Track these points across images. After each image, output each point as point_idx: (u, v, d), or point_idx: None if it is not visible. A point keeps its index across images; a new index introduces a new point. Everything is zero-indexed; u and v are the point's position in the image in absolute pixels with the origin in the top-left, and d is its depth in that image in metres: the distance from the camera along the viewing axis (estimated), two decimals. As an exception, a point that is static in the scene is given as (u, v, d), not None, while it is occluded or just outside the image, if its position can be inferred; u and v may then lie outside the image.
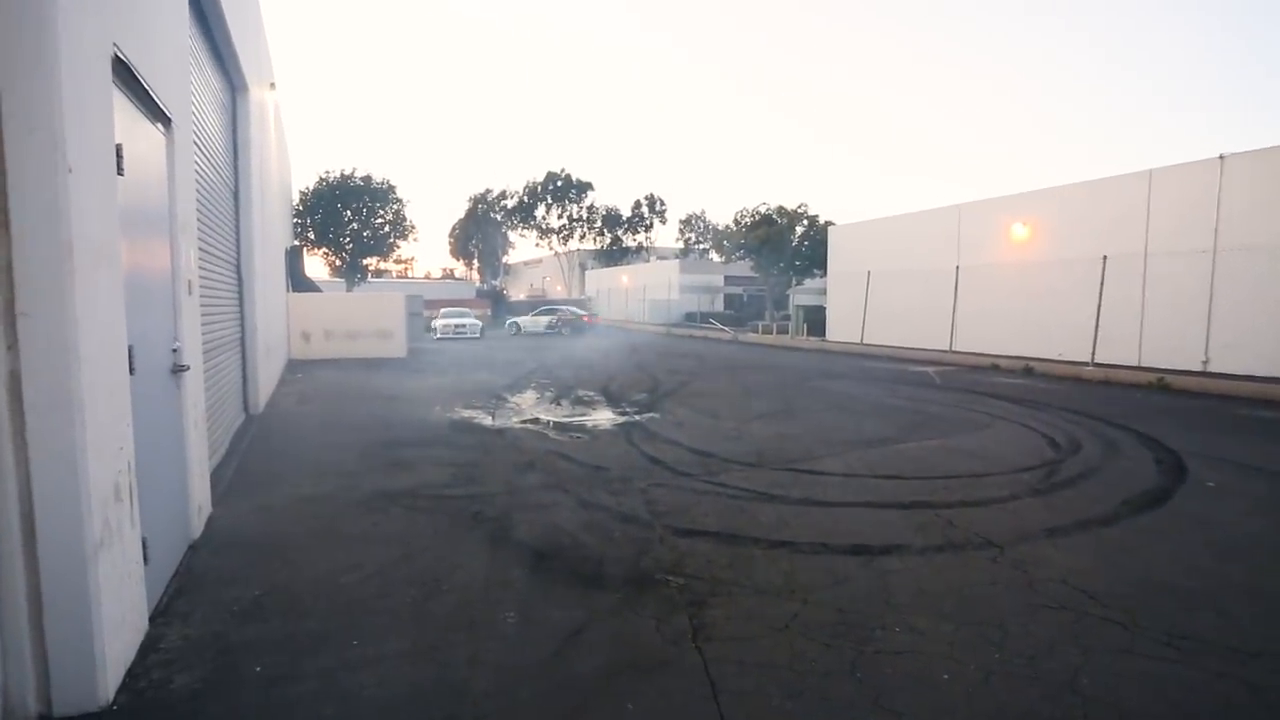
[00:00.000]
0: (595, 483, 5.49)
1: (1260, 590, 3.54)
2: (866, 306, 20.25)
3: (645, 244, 54.02)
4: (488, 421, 8.32)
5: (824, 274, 25.48)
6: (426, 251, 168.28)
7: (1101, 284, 14.02)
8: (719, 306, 38.08)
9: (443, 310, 28.05)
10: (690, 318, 34.27)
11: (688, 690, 2.60)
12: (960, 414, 8.89)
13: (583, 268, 53.65)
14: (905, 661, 2.81)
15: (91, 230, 2.44)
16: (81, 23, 2.40)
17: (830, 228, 25.45)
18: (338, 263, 29.16)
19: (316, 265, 31.09)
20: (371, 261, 30.57)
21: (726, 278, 39.40)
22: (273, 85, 12.65)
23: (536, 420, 8.37)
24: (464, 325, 26.72)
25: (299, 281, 18.42)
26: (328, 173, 28.10)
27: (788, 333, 25.13)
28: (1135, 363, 13.80)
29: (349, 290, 28.88)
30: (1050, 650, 2.91)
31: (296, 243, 25.03)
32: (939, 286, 18.16)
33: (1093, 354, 13.90)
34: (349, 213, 28.28)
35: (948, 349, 17.60)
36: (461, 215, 57.82)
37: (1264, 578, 3.71)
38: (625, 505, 4.89)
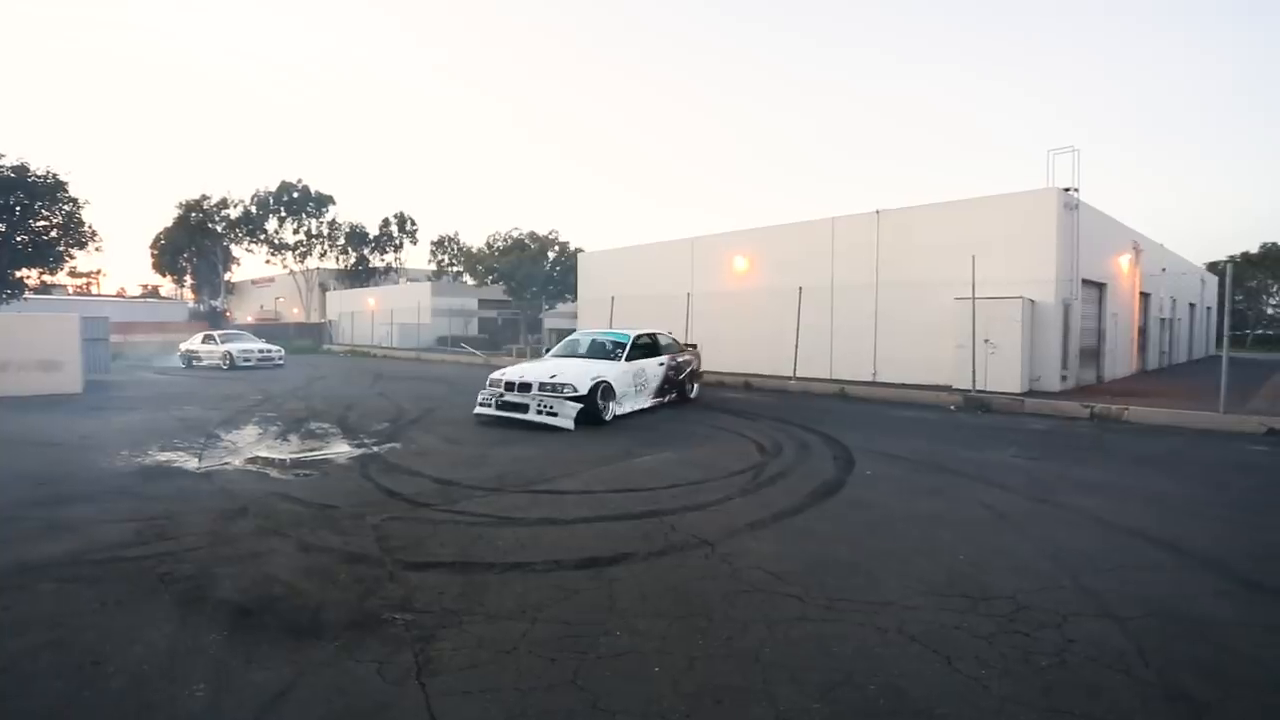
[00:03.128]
0: (321, 523, 5.02)
1: (894, 553, 4.47)
2: (611, 329, 21.44)
3: (395, 265, 51.07)
4: (191, 465, 7.15)
5: (575, 298, 26.46)
6: (122, 266, 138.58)
7: (799, 310, 16.64)
8: (473, 330, 37.35)
9: (221, 334, 24.20)
10: (442, 342, 33.08)
11: (406, 731, 2.51)
12: (688, 428, 9.84)
13: (323, 288, 48.87)
14: (623, 662, 3.02)
15: None
16: None
17: (580, 254, 26.56)
18: (-24, 275, 22.72)
19: (-60, 277, 23.88)
20: (31, 275, 24.38)
21: (480, 301, 38.86)
22: None
23: (256, 459, 7.40)
24: (270, 352, 23.19)
25: (-93, 298, 14.04)
26: (-41, 159, 21.77)
27: (540, 356, 25.54)
28: (828, 375, 16.58)
29: (-7, 310, 22.66)
30: (744, 629, 3.36)
31: (-96, 247, 19.02)
32: (675, 311, 19.96)
33: (794, 369, 16.38)
34: (-7, 212, 22.24)
35: (685, 368, 19.36)
36: (169, 223, 49.13)
37: (898, 542, 4.69)
38: (354, 544, 4.56)
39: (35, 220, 23.40)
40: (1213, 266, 32.52)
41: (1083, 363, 15.17)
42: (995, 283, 13.57)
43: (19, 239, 23.08)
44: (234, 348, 22.64)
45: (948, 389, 13.58)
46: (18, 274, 23.64)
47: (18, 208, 22.93)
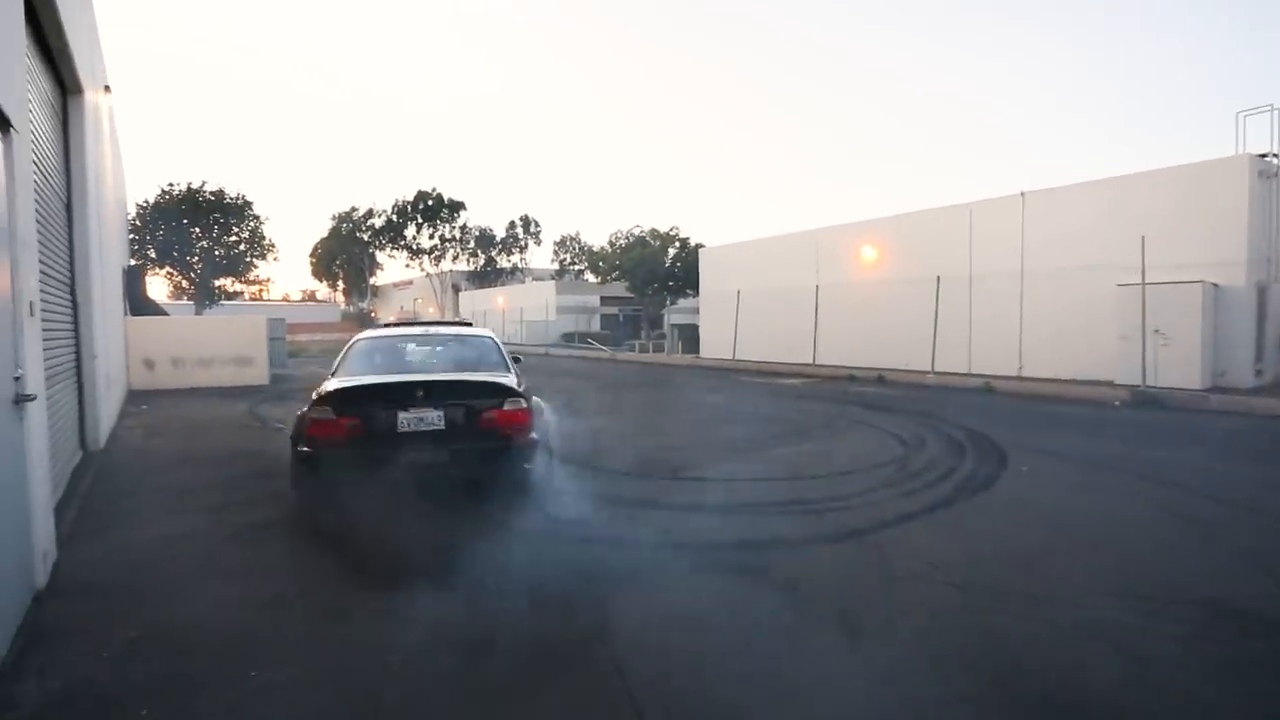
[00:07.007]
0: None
1: (1055, 549, 4.25)
2: (737, 324, 21.42)
3: (520, 265, 53.74)
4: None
5: (696, 294, 26.63)
6: (285, 273, 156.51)
7: (937, 301, 15.82)
8: (596, 326, 38.52)
9: None
10: (568, 338, 34.43)
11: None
12: (823, 421, 9.70)
13: (456, 289, 52.34)
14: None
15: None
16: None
17: (701, 250, 26.69)
18: (184, 284, 26.58)
19: (159, 287, 28.18)
20: (225, 283, 28.13)
21: (603, 298, 39.98)
22: (107, 88, 11.55)
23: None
24: None
25: (139, 304, 16.68)
26: (171, 185, 25.57)
27: (663, 351, 25.98)
28: (967, 369, 15.65)
29: (199, 314, 26.41)
30: (905, 615, 3.36)
31: (135, 262, 22.60)
32: (801, 305, 19.61)
33: (932, 362, 15.60)
34: (198, 230, 25.90)
35: (811, 362, 19.01)
36: (324, 234, 54.73)
37: (1057, 539, 4.45)
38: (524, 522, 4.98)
39: (229, 236, 26.98)
40: None
41: (1282, 355, 13.30)
42: (1166, 267, 12.21)
43: (218, 253, 26.70)
44: None
45: (1109, 384, 12.42)
46: (216, 283, 27.33)
47: (215, 226, 26.55)
